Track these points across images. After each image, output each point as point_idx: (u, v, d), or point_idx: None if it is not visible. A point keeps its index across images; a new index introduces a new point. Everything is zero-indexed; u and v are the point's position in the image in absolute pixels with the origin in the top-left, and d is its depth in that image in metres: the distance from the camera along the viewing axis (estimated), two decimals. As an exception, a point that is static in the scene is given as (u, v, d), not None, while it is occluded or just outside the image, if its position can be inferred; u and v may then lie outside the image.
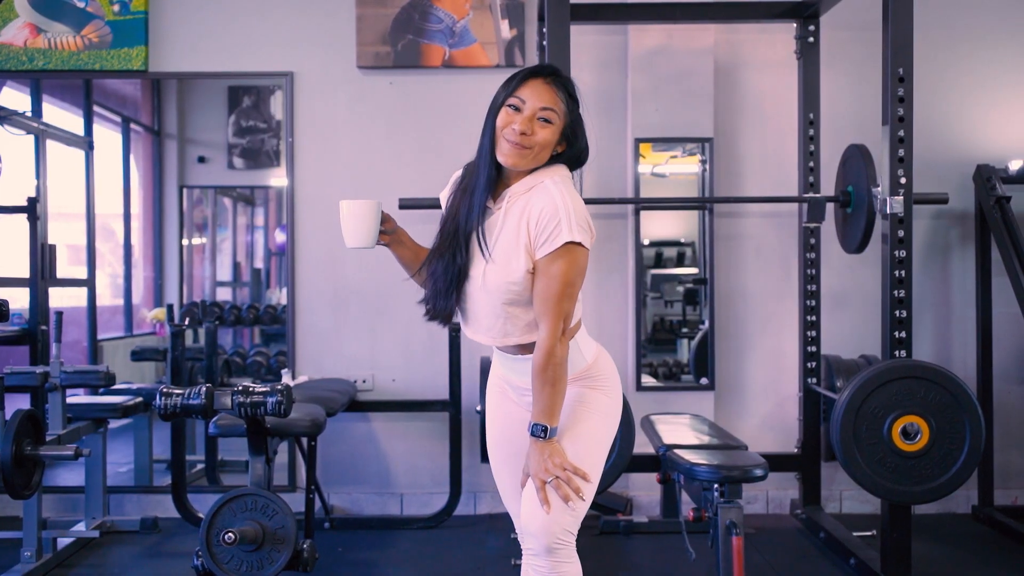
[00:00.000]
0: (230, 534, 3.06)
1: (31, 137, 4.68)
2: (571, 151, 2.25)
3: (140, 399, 4.49)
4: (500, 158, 2.20)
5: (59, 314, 4.00)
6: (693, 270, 5.48)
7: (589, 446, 2.25)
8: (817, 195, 4.46)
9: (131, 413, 4.43)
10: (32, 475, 3.63)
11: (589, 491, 2.22)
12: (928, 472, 3.53)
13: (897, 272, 3.69)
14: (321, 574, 3.91)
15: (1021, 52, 4.90)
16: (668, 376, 5.26)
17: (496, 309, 2.22)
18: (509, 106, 2.19)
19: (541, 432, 2.17)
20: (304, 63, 4.84)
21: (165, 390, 3.16)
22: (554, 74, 2.21)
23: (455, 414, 4.59)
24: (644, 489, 4.76)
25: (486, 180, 2.23)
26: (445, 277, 2.26)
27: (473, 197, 2.25)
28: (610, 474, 3.55)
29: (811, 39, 4.57)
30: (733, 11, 4.64)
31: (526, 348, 2.27)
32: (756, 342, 4.88)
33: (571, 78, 2.28)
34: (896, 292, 3.70)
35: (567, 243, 2.11)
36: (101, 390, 4.65)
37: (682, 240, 5.80)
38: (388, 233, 2.39)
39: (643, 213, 4.85)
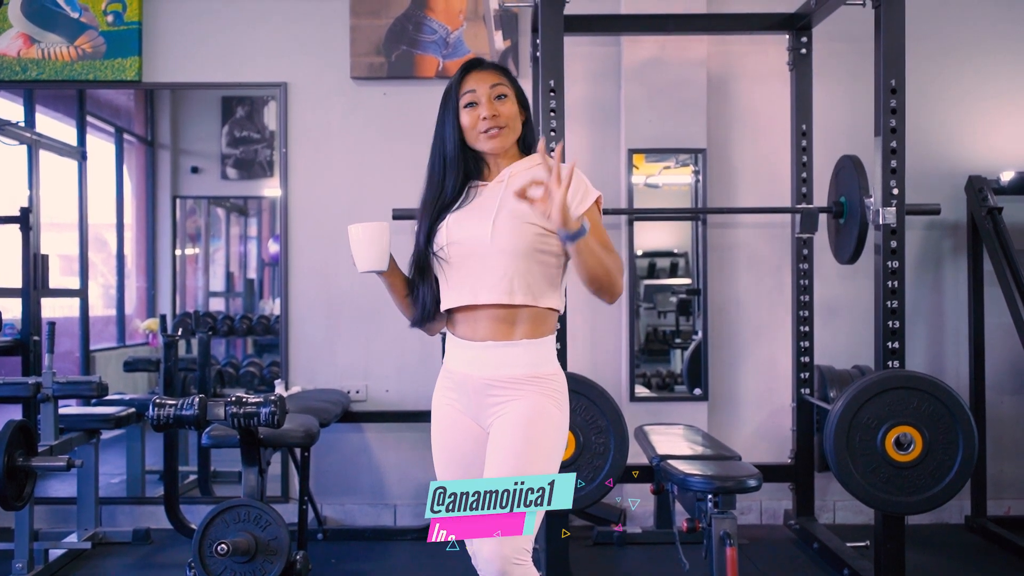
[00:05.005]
0: (223, 545, 3.06)
1: (24, 147, 4.67)
2: (529, 123, 2.38)
3: (133, 410, 4.48)
4: (486, 148, 2.32)
5: (51, 324, 3.98)
6: (686, 280, 5.49)
7: (543, 467, 2.19)
8: (810, 206, 4.48)
9: (124, 424, 4.41)
10: (24, 486, 3.62)
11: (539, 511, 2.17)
12: (921, 482, 3.53)
13: (890, 283, 3.70)
14: (314, 585, 3.90)
15: (1013, 63, 4.93)
16: (661, 387, 5.26)
17: (505, 262, 2.22)
18: (466, 107, 2.31)
19: (584, 225, 2.08)
20: (298, 74, 4.84)
21: (158, 401, 3.15)
22: (480, 62, 2.36)
23: (449, 425, 4.57)
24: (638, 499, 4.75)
25: (452, 185, 2.33)
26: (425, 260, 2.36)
27: (440, 199, 2.34)
28: (603, 486, 3.54)
29: (803, 50, 4.59)
30: (726, 23, 4.66)
31: (505, 331, 2.25)
32: (749, 352, 4.89)
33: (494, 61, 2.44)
34: (889, 303, 3.70)
35: (597, 198, 2.28)
36: (94, 401, 4.64)
37: (675, 251, 5.81)
38: None
39: (636, 224, 4.86)
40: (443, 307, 2.35)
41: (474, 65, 2.35)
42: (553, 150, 2.06)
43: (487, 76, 2.32)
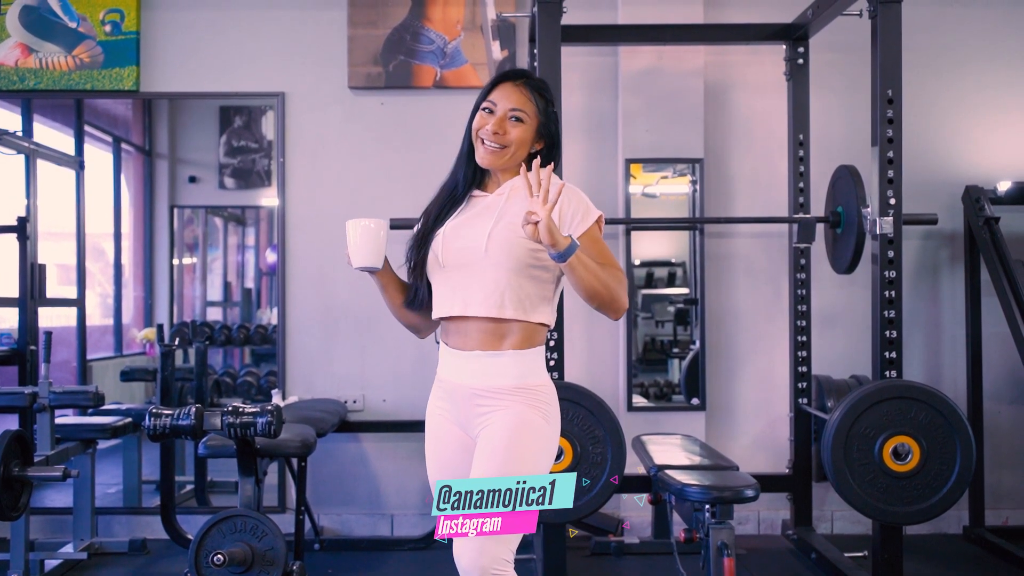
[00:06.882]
0: (219, 556, 3.05)
1: (21, 157, 4.67)
2: (552, 150, 2.34)
3: (129, 420, 4.46)
4: (478, 159, 2.29)
5: (48, 334, 3.98)
6: (684, 290, 5.48)
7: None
8: (807, 216, 4.48)
9: (120, 434, 4.40)
10: (20, 496, 3.61)
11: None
12: (919, 492, 3.53)
13: (887, 292, 3.71)
14: (311, 596, 3.89)
15: (1009, 73, 4.93)
16: (659, 396, 5.25)
17: (497, 276, 2.22)
18: (483, 110, 2.29)
19: (574, 242, 2.07)
20: (296, 83, 4.85)
21: (155, 411, 3.15)
22: (524, 77, 2.32)
23: (446, 434, 4.57)
24: (635, 510, 4.75)
25: (463, 177, 2.34)
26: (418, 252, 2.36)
27: (454, 191, 2.35)
28: (601, 495, 3.54)
29: (800, 61, 4.60)
30: (723, 33, 4.67)
31: (493, 342, 2.24)
32: (747, 362, 4.89)
33: (543, 80, 2.38)
34: (886, 312, 3.71)
35: (598, 217, 2.27)
36: (90, 411, 4.63)
37: (673, 260, 5.81)
38: None
39: (634, 233, 4.86)
40: (434, 315, 2.35)
41: (509, 77, 2.31)
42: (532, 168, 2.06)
43: (514, 94, 2.27)
